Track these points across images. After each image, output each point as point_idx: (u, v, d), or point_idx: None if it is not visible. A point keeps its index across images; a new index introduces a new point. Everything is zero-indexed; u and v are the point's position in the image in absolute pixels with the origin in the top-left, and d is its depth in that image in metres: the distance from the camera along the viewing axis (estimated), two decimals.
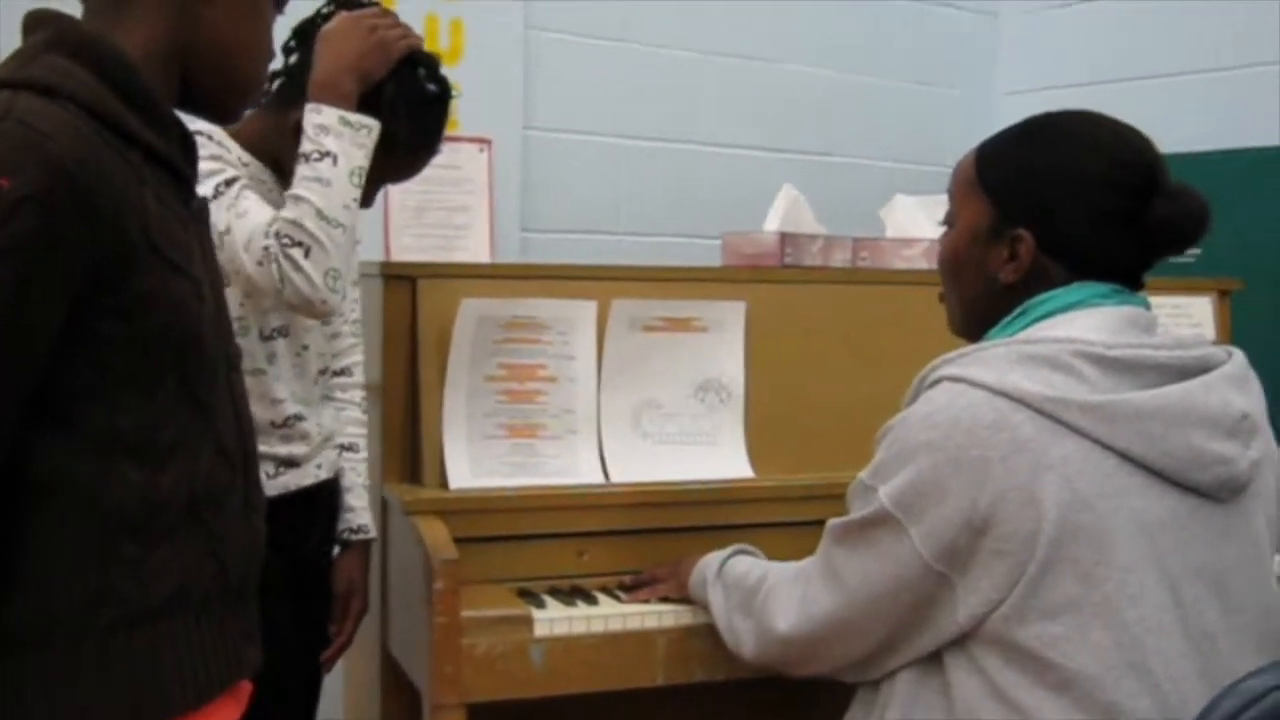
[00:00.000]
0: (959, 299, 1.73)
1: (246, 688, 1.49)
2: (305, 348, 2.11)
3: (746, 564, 1.92)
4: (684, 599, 2.04)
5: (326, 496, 2.21)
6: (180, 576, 1.35)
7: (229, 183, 1.90)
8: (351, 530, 2.25)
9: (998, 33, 4.25)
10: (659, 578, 2.09)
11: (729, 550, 1.99)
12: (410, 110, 1.99)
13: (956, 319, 1.76)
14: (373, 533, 2.27)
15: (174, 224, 1.36)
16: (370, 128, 1.91)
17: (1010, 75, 4.22)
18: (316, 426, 2.13)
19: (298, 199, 1.86)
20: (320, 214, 1.85)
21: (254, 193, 1.93)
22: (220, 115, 1.55)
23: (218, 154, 1.93)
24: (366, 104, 1.93)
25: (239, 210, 1.88)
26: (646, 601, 2.06)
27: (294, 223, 1.84)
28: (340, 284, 1.88)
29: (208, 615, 1.39)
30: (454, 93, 2.10)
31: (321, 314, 1.93)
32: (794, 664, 1.77)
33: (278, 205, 1.93)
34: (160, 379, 1.33)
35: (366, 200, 2.05)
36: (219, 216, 1.83)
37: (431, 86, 2.02)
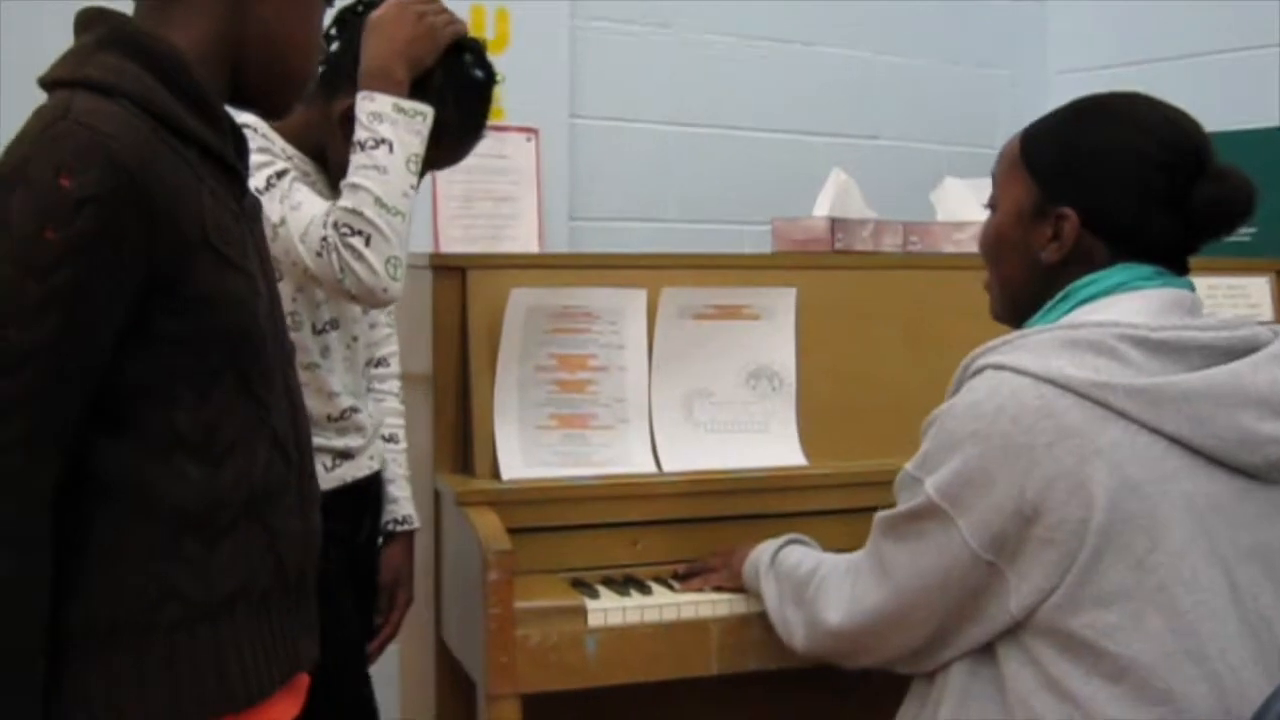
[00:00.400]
0: (1001, 281, 1.72)
1: (304, 680, 1.50)
2: (355, 339, 2.12)
3: (799, 554, 1.91)
4: (737, 588, 2.03)
5: (376, 488, 2.23)
6: (241, 573, 1.36)
7: (280, 174, 1.88)
8: (396, 521, 2.27)
9: (1047, 11, 4.21)
10: (712, 567, 2.08)
11: (782, 540, 1.98)
12: (458, 96, 1.98)
13: (998, 304, 1.74)
14: (417, 523, 2.29)
15: (229, 220, 1.37)
16: (425, 114, 1.90)
17: (1062, 54, 4.17)
18: (369, 418, 2.15)
19: (355, 187, 1.84)
20: (379, 201, 1.83)
21: (304, 184, 1.92)
22: (271, 110, 1.55)
23: (265, 146, 1.93)
24: (415, 91, 1.92)
25: (293, 202, 1.86)
26: (700, 590, 2.05)
27: (353, 211, 1.82)
28: (401, 271, 1.86)
29: (267, 610, 1.40)
30: (498, 79, 2.08)
31: (383, 302, 1.92)
32: (845, 656, 1.77)
33: (323, 197, 1.93)
34: (219, 376, 1.34)
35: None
36: (272, 208, 1.83)
37: (478, 72, 2.01)
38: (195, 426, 1.32)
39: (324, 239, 1.82)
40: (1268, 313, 2.80)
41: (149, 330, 1.29)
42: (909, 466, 1.62)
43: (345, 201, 1.84)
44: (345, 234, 1.82)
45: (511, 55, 3.26)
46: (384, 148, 1.86)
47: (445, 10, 1.99)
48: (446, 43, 1.96)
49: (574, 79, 3.41)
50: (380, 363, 2.29)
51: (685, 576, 2.11)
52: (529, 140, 3.20)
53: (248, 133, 1.81)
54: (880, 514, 1.68)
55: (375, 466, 2.18)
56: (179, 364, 1.31)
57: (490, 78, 2.04)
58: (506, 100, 3.22)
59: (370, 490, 2.20)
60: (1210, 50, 3.73)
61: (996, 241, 1.71)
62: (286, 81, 1.49)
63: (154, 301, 1.28)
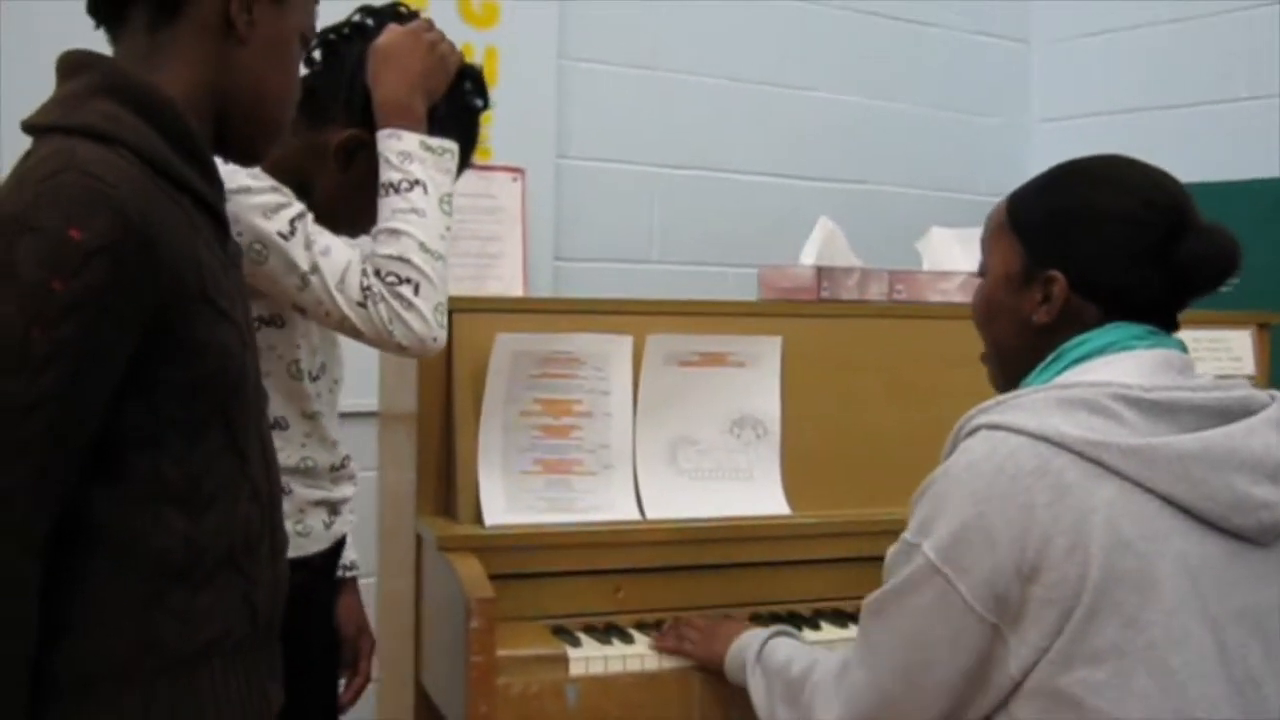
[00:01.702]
0: (995, 347, 1.73)
1: None
2: (336, 382, 2.09)
3: (787, 650, 1.86)
4: (713, 668, 1.99)
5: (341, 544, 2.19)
6: (221, 621, 1.36)
7: (300, 217, 1.77)
8: (344, 567, 2.24)
9: (1030, 60, 4.24)
10: (689, 639, 2.03)
11: (768, 632, 1.94)
12: (461, 127, 1.92)
13: (995, 372, 1.75)
14: (360, 568, 2.27)
15: (219, 270, 1.37)
16: (451, 151, 1.84)
17: (1046, 103, 4.21)
18: (354, 466, 2.12)
19: (397, 233, 1.76)
20: (424, 246, 1.76)
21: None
22: (248, 158, 1.54)
23: (274, 185, 1.79)
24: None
25: (320, 247, 1.75)
26: (674, 654, 2.02)
27: (400, 259, 1.75)
28: (445, 319, 1.80)
29: (241, 658, 1.40)
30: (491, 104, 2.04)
31: (431, 352, 1.82)
32: None
33: None
34: (206, 426, 1.34)
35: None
36: (298, 255, 1.73)
37: (478, 101, 1.97)
38: (181, 476, 1.32)
39: (367, 289, 1.74)
40: (1250, 366, 2.81)
41: (145, 379, 1.28)
42: (905, 535, 1.59)
43: (388, 248, 1.76)
44: (393, 283, 1.74)
45: (499, 95, 3.19)
46: (418, 189, 1.78)
47: (446, 36, 1.92)
48: (455, 72, 1.91)
49: (560, 119, 3.42)
50: None
51: (664, 633, 2.07)
52: (515, 180, 3.21)
53: (245, 170, 1.75)
54: (868, 599, 1.63)
55: (353, 519, 2.15)
56: (171, 413, 1.31)
57: (487, 105, 2.00)
58: (493, 140, 3.22)
59: (340, 548, 2.17)
60: (1195, 101, 3.76)
61: (988, 307, 1.72)
62: (265, 128, 1.49)
63: (152, 350, 1.28)
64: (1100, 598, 1.45)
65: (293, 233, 1.74)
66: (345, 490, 2.07)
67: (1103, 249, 1.60)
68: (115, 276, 1.22)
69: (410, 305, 1.74)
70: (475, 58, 3.21)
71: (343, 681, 2.25)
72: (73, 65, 1.36)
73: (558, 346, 2.22)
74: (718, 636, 2.00)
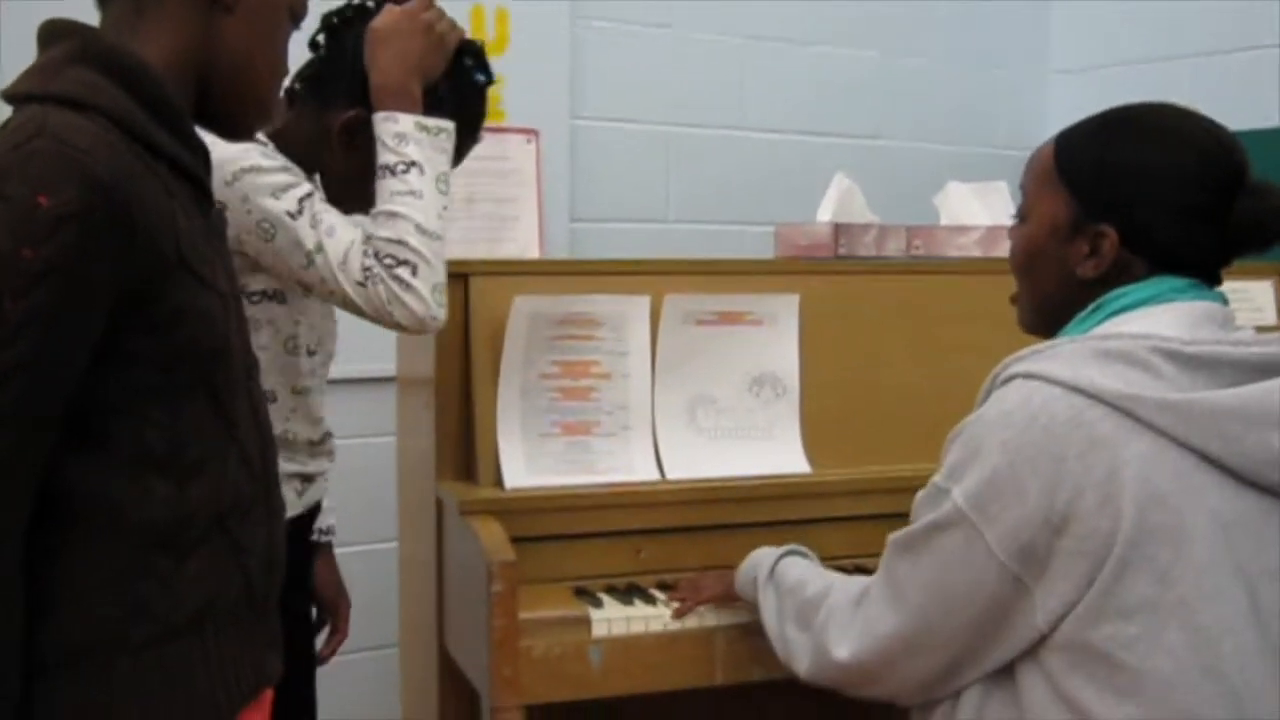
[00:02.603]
0: (1032, 294, 1.70)
1: (269, 695, 1.50)
2: (329, 357, 2.10)
3: (801, 570, 1.87)
4: (730, 600, 2.01)
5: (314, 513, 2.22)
6: (210, 588, 1.35)
7: (307, 196, 1.81)
8: (322, 531, 2.27)
9: (1046, 10, 4.20)
10: (702, 585, 2.05)
11: (782, 550, 1.95)
12: (460, 102, 1.94)
13: (1029, 315, 1.71)
14: (337, 534, 2.33)
15: (199, 237, 1.35)
16: (447, 130, 1.85)
17: (1061, 53, 4.17)
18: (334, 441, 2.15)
19: (394, 215, 1.79)
20: (420, 228, 1.80)
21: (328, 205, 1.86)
22: (232, 131, 1.51)
23: (286, 164, 1.84)
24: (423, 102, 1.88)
25: (326, 227, 1.80)
26: (692, 610, 2.03)
27: (397, 241, 1.78)
28: (444, 297, 1.83)
29: (235, 626, 1.39)
30: (495, 80, 2.04)
31: (430, 330, 1.86)
32: (851, 686, 1.72)
33: None
34: (189, 393, 1.33)
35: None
36: (305, 234, 1.78)
37: (480, 76, 1.97)
38: (165, 443, 1.31)
39: (367, 269, 1.78)
40: (1271, 316, 2.80)
41: (123, 347, 1.27)
42: (935, 479, 1.58)
43: (386, 231, 1.79)
44: (390, 265, 1.78)
45: (511, 56, 3.24)
46: (414, 170, 1.81)
47: (445, 14, 1.94)
48: (453, 51, 1.92)
49: (574, 80, 3.40)
50: None
51: (678, 595, 2.08)
52: (529, 142, 3.19)
53: (266, 148, 1.83)
54: (894, 535, 1.64)
55: (326, 487, 2.17)
56: (151, 381, 1.30)
57: (489, 80, 2.00)
58: (507, 102, 3.21)
59: (314, 515, 2.20)
60: (1208, 50, 3.72)
61: (1028, 254, 1.68)
62: (251, 101, 1.47)
63: (129, 319, 1.27)
64: (1131, 551, 1.45)
65: (300, 212, 1.79)
66: (322, 464, 2.09)
67: (1157, 206, 1.57)
68: (86, 243, 1.20)
69: (408, 286, 1.78)
70: (487, 20, 3.22)
71: (322, 638, 2.34)
72: (53, 33, 1.35)
73: (574, 308, 2.21)
74: (725, 573, 2.02)
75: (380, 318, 1.81)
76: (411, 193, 1.81)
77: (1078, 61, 4.10)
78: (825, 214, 2.67)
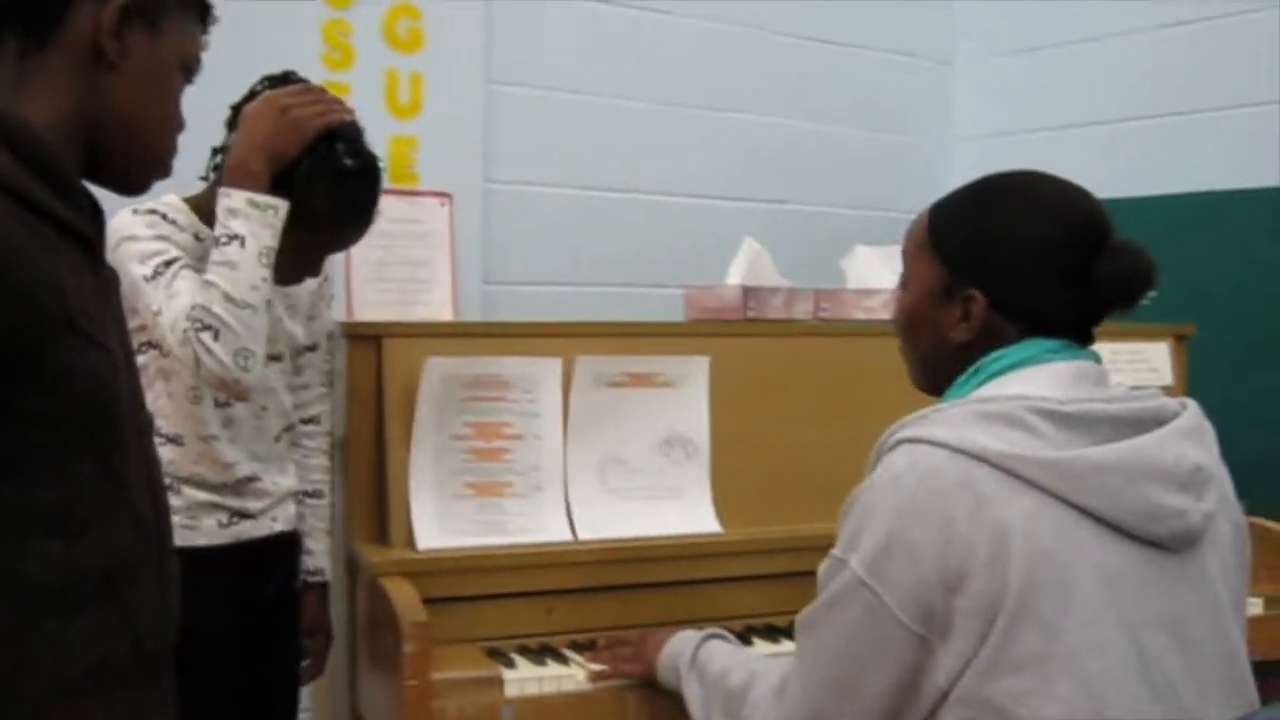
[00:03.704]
0: (916, 356, 1.76)
1: None
2: (264, 409, 2.19)
3: (723, 657, 1.88)
4: (649, 679, 2.01)
5: (284, 549, 2.28)
6: (99, 650, 1.33)
7: (168, 264, 1.98)
8: (309, 572, 2.33)
9: (951, 80, 4.31)
10: (622, 656, 2.06)
11: (701, 635, 1.96)
12: (327, 185, 2.03)
13: (917, 374, 1.78)
14: (328, 576, 2.34)
15: (87, 296, 1.34)
16: (277, 208, 1.97)
17: (964, 122, 4.28)
18: (273, 484, 2.21)
19: (207, 284, 1.93)
20: (227, 297, 1.92)
21: (194, 273, 1.99)
22: (126, 187, 1.50)
23: (165, 234, 2.02)
24: (280, 182, 1.98)
25: (171, 291, 1.96)
26: (610, 678, 2.03)
27: (203, 307, 1.92)
28: (253, 362, 1.95)
29: (125, 688, 1.37)
30: (380, 163, 2.12)
31: (236, 393, 2.02)
32: None
33: None
34: (78, 452, 1.31)
35: (307, 271, 2.15)
36: (154, 297, 1.95)
37: (349, 161, 2.05)
38: (53, 502, 1.29)
39: (185, 331, 1.92)
40: (1167, 377, 2.88)
41: (9, 405, 1.25)
42: (834, 550, 1.61)
43: (199, 297, 1.93)
44: (197, 328, 1.92)
45: (426, 120, 3.27)
46: (235, 243, 1.95)
47: (321, 100, 2.04)
48: (314, 134, 2.01)
49: (487, 144, 3.43)
50: (310, 420, 2.35)
51: (597, 650, 2.09)
52: (443, 205, 3.21)
53: (154, 219, 2.01)
54: (800, 615, 1.65)
55: (279, 528, 2.23)
56: (39, 439, 1.28)
57: (366, 165, 2.08)
58: (421, 165, 3.24)
59: (275, 550, 2.25)
60: (1104, 119, 3.84)
61: (909, 320, 1.75)
62: (142, 157, 1.46)
63: (14, 378, 1.25)
64: (1021, 606, 1.48)
65: (154, 276, 1.98)
66: (249, 503, 2.17)
67: (1022, 271, 1.63)
68: None
69: (209, 350, 1.92)
70: (401, 83, 3.24)
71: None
72: None
73: (487, 370, 2.23)
74: (648, 646, 2.02)
75: (200, 375, 1.95)
76: (228, 263, 1.94)
77: (979, 129, 4.21)
78: (734, 277, 2.72)
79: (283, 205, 1.98)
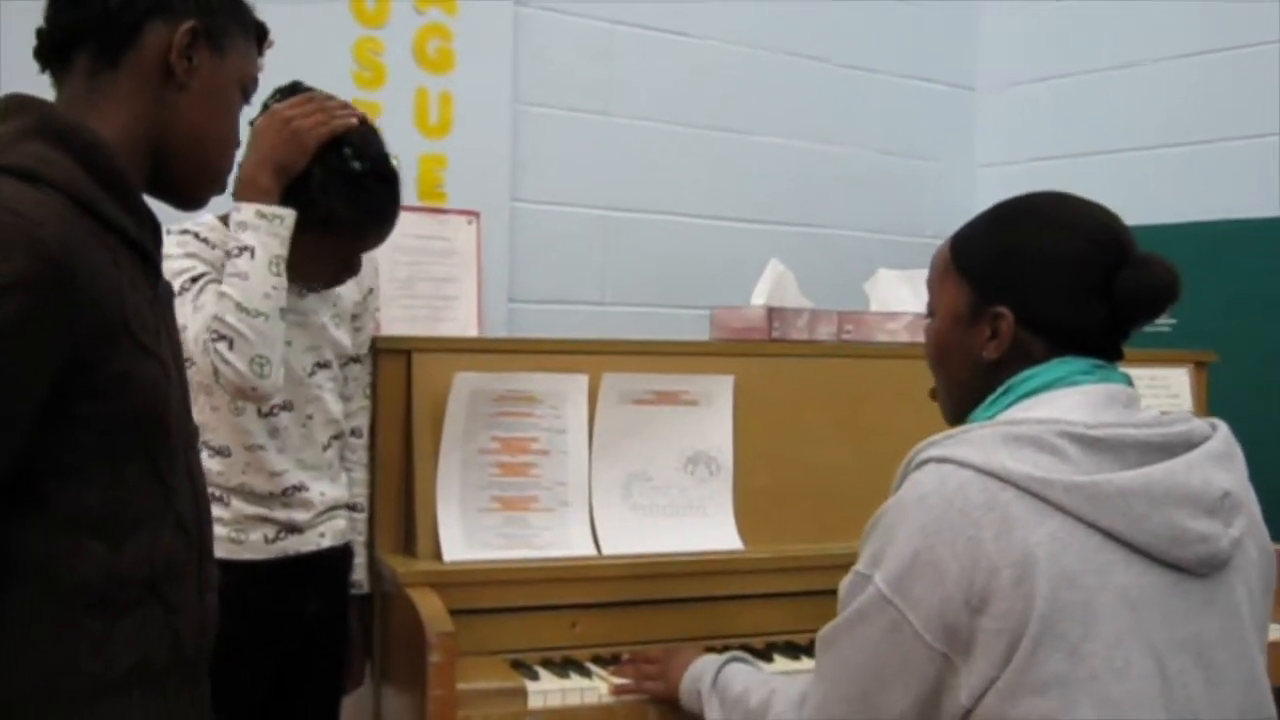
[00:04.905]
0: (949, 385, 1.76)
1: None
2: (310, 417, 2.21)
3: (744, 679, 1.89)
4: (672, 700, 2.02)
5: (332, 564, 2.28)
6: (140, 650, 1.36)
7: (194, 279, 2.04)
8: (352, 585, 2.34)
9: (974, 106, 4.33)
10: (647, 674, 2.08)
11: (723, 658, 1.97)
12: (341, 190, 2.07)
13: (949, 407, 1.77)
14: (366, 588, 2.35)
15: (144, 307, 1.38)
16: (284, 217, 2.02)
17: (987, 148, 4.30)
18: (320, 495, 2.22)
19: (223, 295, 1.99)
20: (239, 307, 1.97)
21: (219, 287, 2.03)
22: (186, 202, 1.55)
23: (194, 251, 2.08)
24: (294, 192, 2.04)
25: (196, 305, 2.01)
26: (632, 693, 2.05)
27: (218, 318, 1.97)
28: (270, 369, 1.99)
29: (164, 690, 1.40)
30: (393, 161, 2.16)
31: (254, 399, 2.05)
32: None
33: None
34: (128, 457, 1.35)
35: (345, 273, 2.17)
36: (182, 311, 1.95)
37: (356, 164, 2.09)
38: (102, 505, 1.33)
39: (205, 342, 1.98)
40: (1187, 403, 2.89)
41: (65, 411, 1.29)
42: (857, 566, 1.61)
43: (214, 309, 1.99)
44: (214, 338, 1.97)
45: (454, 139, 3.31)
46: (246, 254, 2.00)
47: (323, 109, 2.08)
48: (317, 142, 2.06)
49: (515, 163, 3.46)
50: (353, 433, 2.36)
51: (622, 666, 2.11)
52: (470, 223, 3.24)
53: (186, 239, 2.06)
54: (821, 631, 1.66)
55: (327, 543, 2.24)
56: (91, 444, 1.32)
57: (376, 167, 2.12)
58: (448, 183, 3.27)
59: (323, 566, 2.26)
60: (1128, 147, 3.85)
61: (939, 347, 1.75)
62: (204, 173, 1.52)
63: (73, 384, 1.29)
64: (1045, 629, 1.49)
65: (181, 292, 2.01)
66: (297, 514, 2.19)
67: (1048, 285, 1.64)
68: (31, 311, 1.23)
69: (224, 359, 1.97)
70: (431, 102, 3.28)
71: None
72: (10, 108, 1.39)
73: (515, 385, 2.26)
74: (672, 666, 2.04)
75: (220, 384, 2.00)
76: (239, 274, 1.99)
77: (1002, 155, 4.23)
78: (760, 298, 2.75)
79: (290, 214, 2.03)
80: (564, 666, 2.11)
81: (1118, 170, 3.83)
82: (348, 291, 2.27)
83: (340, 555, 2.28)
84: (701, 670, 1.97)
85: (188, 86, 1.46)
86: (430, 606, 2.01)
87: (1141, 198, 3.55)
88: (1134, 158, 3.83)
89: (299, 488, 2.18)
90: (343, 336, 2.28)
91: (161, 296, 1.46)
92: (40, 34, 1.44)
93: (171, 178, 1.49)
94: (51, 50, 1.44)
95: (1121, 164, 3.84)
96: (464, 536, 2.20)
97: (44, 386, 1.27)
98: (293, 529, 2.18)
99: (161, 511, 1.40)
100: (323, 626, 2.27)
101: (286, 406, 2.16)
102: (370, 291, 2.35)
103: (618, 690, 2.06)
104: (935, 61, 4.25)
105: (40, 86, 1.44)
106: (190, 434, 1.50)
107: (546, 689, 2.02)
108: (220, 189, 1.56)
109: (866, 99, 4.09)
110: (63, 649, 1.31)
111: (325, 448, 2.24)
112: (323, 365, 2.23)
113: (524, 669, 2.08)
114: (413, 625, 2.01)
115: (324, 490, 2.23)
